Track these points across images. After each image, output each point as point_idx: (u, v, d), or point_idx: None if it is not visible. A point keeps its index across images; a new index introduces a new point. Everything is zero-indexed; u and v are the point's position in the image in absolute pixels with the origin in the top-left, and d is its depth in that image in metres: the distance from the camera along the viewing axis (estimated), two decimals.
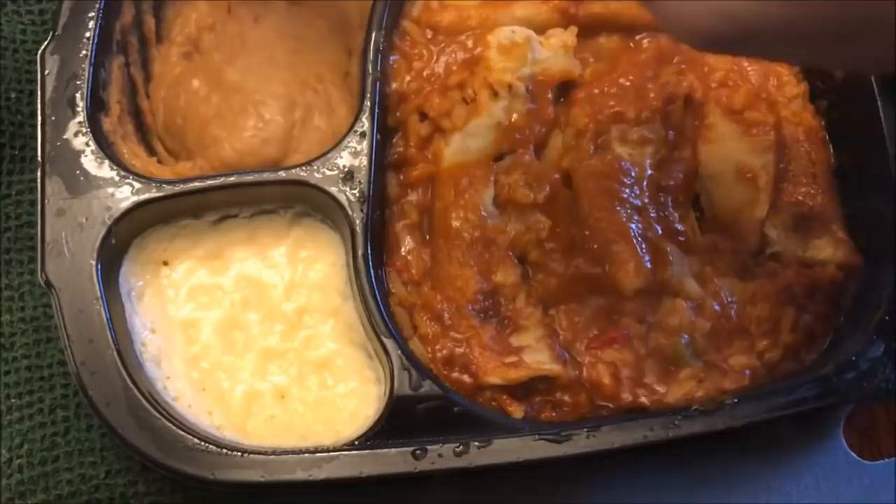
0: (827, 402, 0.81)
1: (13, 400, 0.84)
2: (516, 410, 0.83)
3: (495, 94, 0.89)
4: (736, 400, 0.80)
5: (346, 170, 0.84)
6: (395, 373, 0.79)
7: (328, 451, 0.77)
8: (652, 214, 0.88)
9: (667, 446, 0.80)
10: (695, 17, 0.60)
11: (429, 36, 0.93)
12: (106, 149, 0.84)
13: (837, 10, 0.57)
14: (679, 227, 0.89)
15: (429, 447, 0.77)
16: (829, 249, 0.88)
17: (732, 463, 0.89)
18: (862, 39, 0.58)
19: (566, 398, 0.84)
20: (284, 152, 0.91)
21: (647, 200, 0.88)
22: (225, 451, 0.77)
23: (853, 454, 0.90)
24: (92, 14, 0.86)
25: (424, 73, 0.92)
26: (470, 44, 0.92)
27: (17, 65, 0.91)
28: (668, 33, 0.72)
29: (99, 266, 0.80)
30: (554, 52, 0.90)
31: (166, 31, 0.95)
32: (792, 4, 0.57)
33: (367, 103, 0.86)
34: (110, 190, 0.82)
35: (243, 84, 0.92)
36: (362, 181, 0.84)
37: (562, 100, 0.92)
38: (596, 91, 0.91)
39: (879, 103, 0.87)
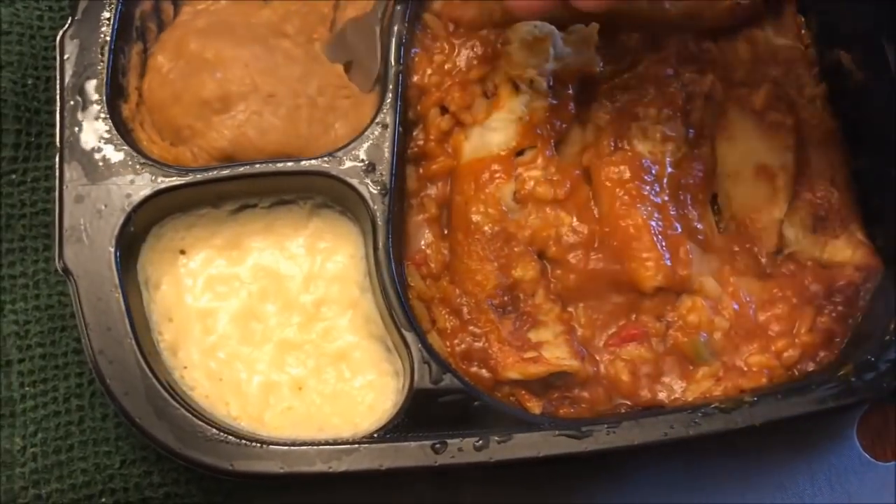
0: (846, 402, 0.81)
1: (27, 388, 0.83)
2: (534, 406, 0.83)
3: (516, 89, 0.88)
4: (755, 399, 0.80)
5: (367, 162, 0.84)
6: (416, 366, 0.79)
7: (348, 443, 0.77)
8: (672, 212, 0.88)
9: (683, 444, 0.80)
10: None
11: (450, 29, 0.93)
12: (125, 135, 0.84)
13: None
14: (698, 225, 0.89)
15: (449, 441, 0.77)
16: (847, 251, 0.89)
17: (746, 462, 0.90)
18: None
19: (584, 394, 0.84)
20: (287, 144, 0.88)
21: (667, 198, 0.88)
22: (244, 441, 0.76)
23: (866, 455, 0.90)
24: None
25: (445, 67, 0.91)
26: (491, 38, 0.91)
27: (34, 51, 0.90)
28: None
29: (118, 254, 0.79)
30: (576, 47, 0.90)
31: None
32: None
33: (390, 95, 0.86)
34: (130, 177, 0.82)
35: (208, 55, 0.89)
36: (384, 173, 0.83)
37: (582, 96, 0.91)
38: (616, 88, 0.91)
39: None
